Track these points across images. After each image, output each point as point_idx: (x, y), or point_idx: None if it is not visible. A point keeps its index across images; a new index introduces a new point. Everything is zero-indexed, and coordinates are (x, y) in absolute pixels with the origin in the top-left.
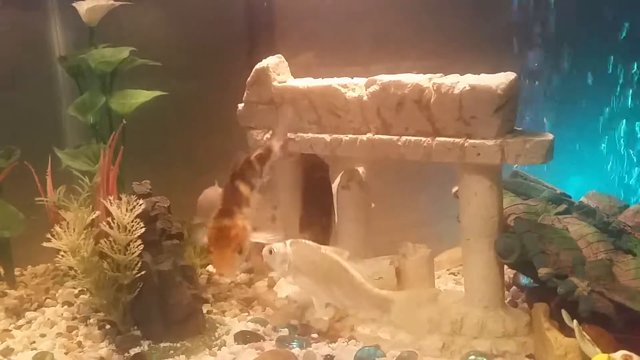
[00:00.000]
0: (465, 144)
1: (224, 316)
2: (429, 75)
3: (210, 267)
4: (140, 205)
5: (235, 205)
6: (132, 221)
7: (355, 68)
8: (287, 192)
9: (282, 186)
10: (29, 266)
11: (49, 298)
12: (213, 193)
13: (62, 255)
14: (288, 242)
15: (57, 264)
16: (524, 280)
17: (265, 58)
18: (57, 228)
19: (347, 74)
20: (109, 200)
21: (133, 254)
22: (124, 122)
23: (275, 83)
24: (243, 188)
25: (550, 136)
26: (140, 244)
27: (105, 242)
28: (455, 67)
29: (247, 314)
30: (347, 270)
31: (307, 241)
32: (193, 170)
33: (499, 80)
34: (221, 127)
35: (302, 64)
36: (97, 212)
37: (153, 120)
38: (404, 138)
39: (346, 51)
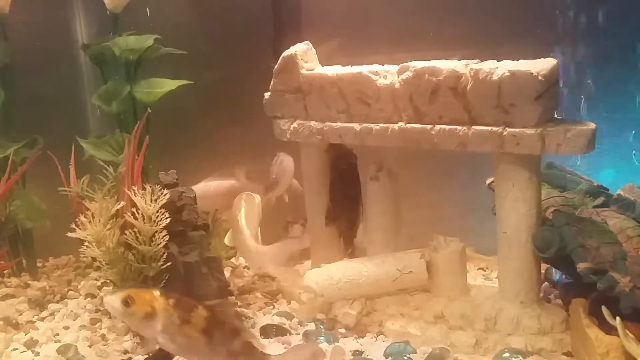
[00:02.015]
0: (504, 133)
1: (249, 309)
2: (465, 61)
3: (234, 260)
4: (165, 195)
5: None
6: (157, 212)
7: (383, 57)
8: (313, 182)
9: (308, 176)
10: (51, 258)
11: (72, 290)
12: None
13: (87, 246)
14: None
15: (81, 255)
16: (556, 275)
17: (291, 45)
18: (82, 218)
19: (375, 62)
20: (134, 190)
21: (158, 245)
22: (149, 111)
23: (303, 71)
24: None
25: (593, 125)
26: (165, 235)
27: (130, 233)
28: (487, 56)
29: (272, 307)
30: (239, 219)
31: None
32: (217, 160)
33: (540, 66)
34: (246, 116)
35: (329, 51)
36: (122, 203)
37: (177, 109)
38: (438, 127)
39: (374, 39)
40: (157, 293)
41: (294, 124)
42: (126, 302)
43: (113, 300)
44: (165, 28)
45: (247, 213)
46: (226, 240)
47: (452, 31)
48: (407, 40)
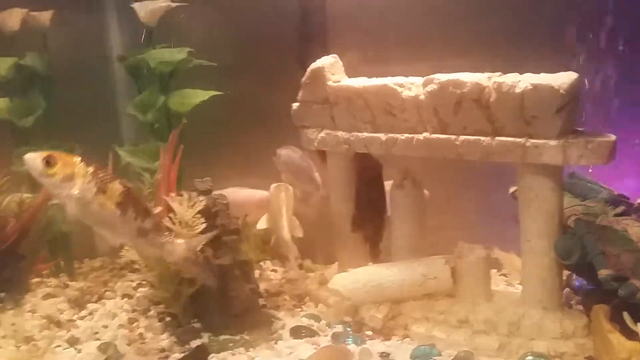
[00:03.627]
0: (527, 144)
1: (278, 311)
2: (487, 74)
3: (262, 263)
4: (201, 201)
5: None
6: (194, 217)
7: (405, 67)
8: (340, 189)
9: (335, 184)
10: (86, 259)
11: (108, 290)
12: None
13: (127, 250)
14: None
15: (120, 258)
16: (576, 282)
17: (317, 56)
18: None
19: (397, 72)
20: (172, 196)
21: None
22: (185, 121)
23: (330, 83)
24: None
25: (613, 137)
26: None
27: None
28: (506, 68)
29: (300, 309)
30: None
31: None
32: (244, 168)
33: (562, 79)
34: (273, 126)
35: (354, 63)
36: (159, 208)
37: (206, 118)
38: (462, 137)
39: (396, 50)
40: (77, 158)
41: (322, 134)
42: (47, 162)
43: (34, 158)
44: (195, 40)
45: (287, 207)
46: (260, 225)
47: (472, 42)
48: (429, 51)
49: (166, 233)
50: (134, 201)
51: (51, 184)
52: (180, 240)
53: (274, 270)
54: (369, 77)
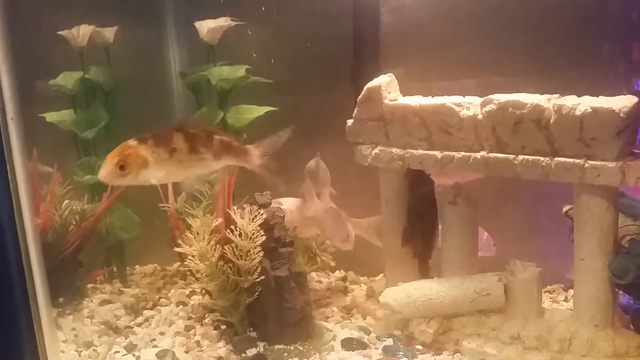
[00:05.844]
0: (586, 165)
1: (327, 322)
2: (547, 96)
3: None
4: (262, 214)
5: None
6: (254, 229)
7: (454, 84)
8: (391, 204)
9: (386, 198)
10: (137, 266)
11: (163, 297)
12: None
13: (191, 259)
14: None
15: (185, 267)
16: (623, 300)
17: (368, 75)
18: (188, 234)
19: (448, 91)
20: (234, 209)
21: (253, 259)
22: (245, 136)
23: (386, 101)
24: None
25: None
26: (260, 251)
27: (229, 248)
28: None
29: (349, 321)
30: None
31: None
32: (296, 181)
33: (622, 103)
34: (323, 140)
35: (405, 81)
36: (219, 220)
37: (259, 133)
38: (521, 157)
39: (447, 70)
40: (133, 142)
41: (376, 150)
42: (121, 167)
43: (105, 169)
44: (250, 58)
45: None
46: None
47: (522, 63)
48: (476, 71)
49: (235, 144)
50: (196, 136)
51: (131, 181)
52: (251, 146)
53: (319, 282)
54: (416, 94)
